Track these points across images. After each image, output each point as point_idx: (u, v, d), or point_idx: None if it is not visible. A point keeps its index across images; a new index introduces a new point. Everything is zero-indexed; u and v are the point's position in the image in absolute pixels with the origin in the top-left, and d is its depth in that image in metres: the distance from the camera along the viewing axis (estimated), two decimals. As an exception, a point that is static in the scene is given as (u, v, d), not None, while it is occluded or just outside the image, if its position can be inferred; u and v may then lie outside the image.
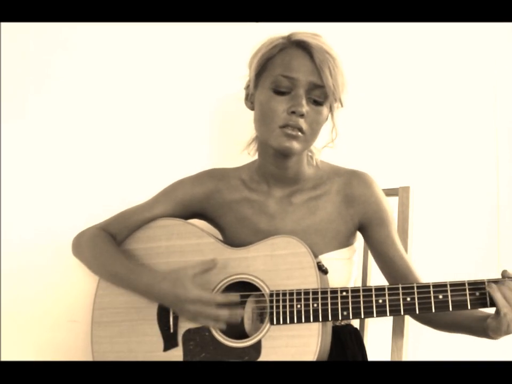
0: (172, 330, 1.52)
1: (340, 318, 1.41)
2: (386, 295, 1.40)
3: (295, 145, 1.51)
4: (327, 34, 1.56)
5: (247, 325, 1.53)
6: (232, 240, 1.63)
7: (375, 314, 1.40)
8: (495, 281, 1.36)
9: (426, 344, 1.87)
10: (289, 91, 1.50)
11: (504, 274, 1.38)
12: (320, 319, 1.42)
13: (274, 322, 1.44)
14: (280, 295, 1.45)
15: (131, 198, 1.72)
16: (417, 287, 1.39)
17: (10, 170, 1.89)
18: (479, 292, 1.36)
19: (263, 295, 1.49)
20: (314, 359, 1.39)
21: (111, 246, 1.60)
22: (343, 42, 1.65)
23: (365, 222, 1.62)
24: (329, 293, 1.43)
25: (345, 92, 1.56)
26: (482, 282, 1.37)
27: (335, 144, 1.63)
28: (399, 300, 1.40)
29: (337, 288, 1.44)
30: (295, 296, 1.44)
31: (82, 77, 1.96)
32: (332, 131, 1.61)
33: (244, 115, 1.65)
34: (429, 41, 2.04)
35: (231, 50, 2.01)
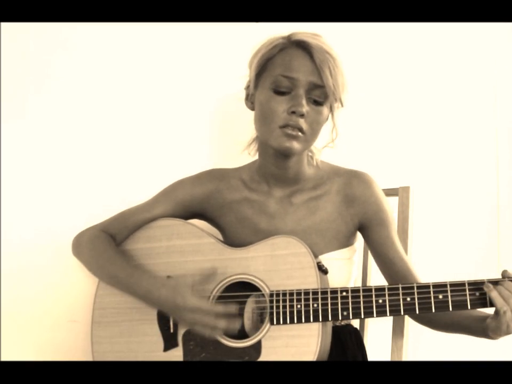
0: (172, 330, 1.52)
1: (340, 318, 1.42)
2: (386, 295, 1.40)
3: (295, 145, 1.51)
4: (327, 34, 1.56)
5: (247, 325, 1.53)
6: (232, 240, 1.63)
7: (375, 314, 1.40)
8: (495, 282, 1.36)
9: (426, 344, 1.87)
10: (289, 91, 1.50)
11: (504, 274, 1.38)
12: (320, 319, 1.42)
13: (274, 322, 1.44)
14: (280, 295, 1.45)
15: (131, 198, 1.72)
16: (417, 287, 1.39)
17: (10, 170, 1.89)
18: (479, 292, 1.36)
19: (263, 295, 1.49)
20: (314, 359, 1.39)
21: (110, 248, 1.60)
22: (343, 42, 1.65)
23: (365, 222, 1.62)
24: (329, 293, 1.43)
25: (345, 92, 1.56)
26: (482, 282, 1.37)
27: (335, 144, 1.63)
28: (399, 300, 1.40)
29: (337, 288, 1.44)
30: (295, 296, 1.44)
31: (82, 77, 1.96)
32: (332, 131, 1.61)
33: (244, 115, 1.65)
34: (429, 41, 2.04)
35: (231, 50, 2.01)
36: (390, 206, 1.64)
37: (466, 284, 1.37)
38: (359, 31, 2.02)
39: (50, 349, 1.86)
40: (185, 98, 2.02)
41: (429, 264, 1.83)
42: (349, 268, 1.63)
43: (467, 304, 1.37)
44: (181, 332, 1.52)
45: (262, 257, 1.50)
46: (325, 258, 1.54)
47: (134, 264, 1.59)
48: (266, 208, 1.63)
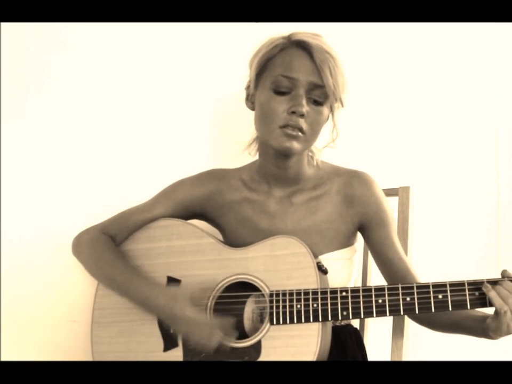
0: (171, 331, 1.52)
1: (340, 318, 1.42)
2: (386, 295, 1.40)
3: (295, 145, 1.51)
4: (327, 34, 1.56)
5: (247, 325, 1.53)
6: (232, 241, 1.63)
7: (374, 314, 1.40)
8: (494, 281, 1.36)
9: (426, 344, 1.87)
10: (290, 91, 1.50)
11: (504, 274, 1.38)
12: (320, 319, 1.42)
13: (274, 322, 1.44)
14: (280, 295, 1.45)
15: (131, 198, 1.72)
16: (417, 287, 1.39)
17: (10, 170, 1.89)
18: (479, 292, 1.36)
19: (263, 295, 1.48)
20: (314, 359, 1.39)
21: (110, 252, 1.60)
22: (343, 42, 1.65)
23: (365, 222, 1.62)
24: (329, 293, 1.43)
25: (345, 92, 1.56)
26: (481, 282, 1.36)
27: (335, 144, 1.63)
28: (398, 300, 1.40)
29: (337, 288, 1.44)
30: (295, 296, 1.44)
31: (82, 77, 1.96)
32: (333, 131, 1.61)
33: (244, 115, 1.65)
34: (429, 41, 2.04)
35: (231, 50, 2.01)
36: (390, 206, 1.64)
37: (466, 284, 1.37)
38: (359, 31, 2.02)
39: (50, 349, 1.86)
40: (185, 98, 2.02)
41: (429, 264, 1.84)
42: (349, 268, 1.63)
43: (467, 304, 1.37)
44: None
45: (262, 257, 1.50)
46: (325, 259, 1.54)
47: (134, 269, 1.58)
48: (266, 208, 1.63)
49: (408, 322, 1.67)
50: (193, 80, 2.01)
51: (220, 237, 1.69)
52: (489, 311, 1.39)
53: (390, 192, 1.75)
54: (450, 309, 1.37)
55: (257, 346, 1.44)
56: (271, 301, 1.46)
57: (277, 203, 1.63)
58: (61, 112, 1.94)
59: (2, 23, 1.89)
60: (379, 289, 1.41)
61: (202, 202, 1.68)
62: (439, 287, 1.38)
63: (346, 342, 1.58)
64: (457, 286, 1.37)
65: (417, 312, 1.38)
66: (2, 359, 1.79)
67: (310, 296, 1.43)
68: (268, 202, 1.64)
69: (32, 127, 1.93)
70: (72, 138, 1.94)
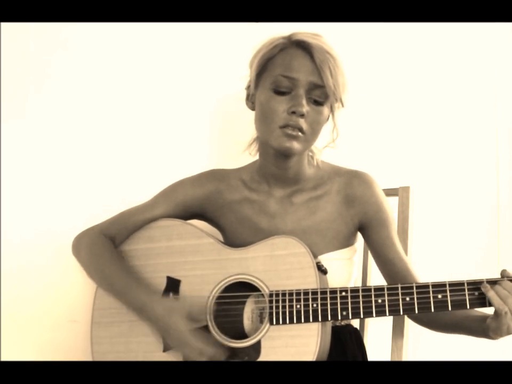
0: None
1: (339, 318, 1.41)
2: (386, 295, 1.40)
3: (296, 145, 1.51)
4: (327, 35, 1.56)
5: (247, 325, 1.53)
6: (233, 241, 1.63)
7: (374, 314, 1.40)
8: (494, 281, 1.36)
9: (426, 344, 1.87)
10: (290, 91, 1.50)
11: (504, 274, 1.37)
12: (320, 319, 1.42)
13: (274, 323, 1.44)
14: (280, 295, 1.45)
15: (131, 198, 1.72)
16: (417, 287, 1.39)
17: (10, 170, 1.90)
18: (478, 292, 1.36)
19: (262, 295, 1.48)
20: (314, 359, 1.39)
21: (109, 256, 1.59)
22: (343, 42, 1.65)
23: (365, 222, 1.62)
24: (328, 293, 1.43)
25: (346, 92, 1.56)
26: (481, 282, 1.36)
27: (336, 144, 1.63)
28: (398, 299, 1.39)
29: (336, 288, 1.44)
30: (294, 297, 1.44)
31: (82, 77, 1.96)
32: (333, 131, 1.61)
33: (244, 115, 1.65)
34: (429, 41, 2.04)
35: (231, 50, 2.01)
36: (391, 206, 1.64)
37: (466, 284, 1.37)
38: (359, 31, 2.02)
39: (50, 349, 1.86)
40: (186, 98, 2.02)
41: (429, 264, 1.84)
42: (349, 268, 1.63)
43: (466, 304, 1.37)
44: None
45: (262, 258, 1.50)
46: (325, 259, 1.54)
47: (133, 274, 1.58)
48: (266, 208, 1.63)
49: (408, 322, 1.67)
50: (193, 80, 2.02)
51: (220, 237, 1.69)
52: (489, 311, 1.39)
53: (390, 192, 1.75)
54: (450, 309, 1.37)
55: (256, 346, 1.44)
56: (270, 301, 1.45)
57: (277, 203, 1.63)
58: (61, 112, 1.95)
59: (2, 23, 1.89)
60: (378, 289, 1.41)
61: (202, 203, 1.68)
62: (439, 287, 1.38)
63: (346, 342, 1.58)
64: (456, 286, 1.37)
65: (416, 312, 1.38)
66: (2, 359, 1.80)
67: (310, 296, 1.43)
68: (268, 202, 1.64)
69: (32, 127, 1.93)
70: (72, 138, 1.95)
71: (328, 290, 1.43)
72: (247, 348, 1.45)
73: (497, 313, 1.35)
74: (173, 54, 2.01)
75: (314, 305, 1.43)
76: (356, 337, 1.62)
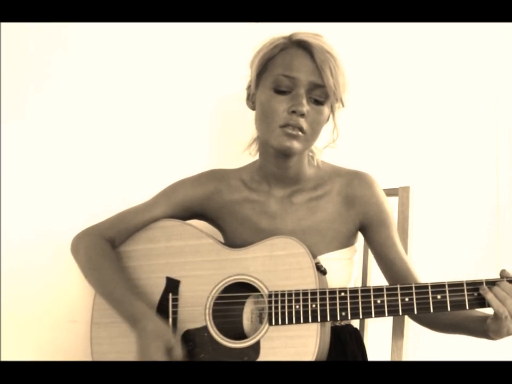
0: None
1: (338, 319, 1.41)
2: (385, 295, 1.40)
3: (296, 144, 1.51)
4: (328, 35, 1.56)
5: (246, 326, 1.53)
6: (233, 241, 1.64)
7: (373, 315, 1.40)
8: (493, 282, 1.36)
9: (426, 344, 1.87)
10: (290, 90, 1.50)
11: (503, 274, 1.37)
12: (319, 320, 1.42)
13: (273, 323, 1.44)
14: (279, 296, 1.45)
15: (131, 198, 1.72)
16: (416, 288, 1.39)
17: (10, 170, 1.90)
18: (477, 292, 1.36)
19: (262, 295, 1.48)
20: (313, 360, 1.39)
21: (107, 262, 1.58)
22: (344, 42, 1.65)
23: (365, 222, 1.62)
24: (327, 293, 1.43)
25: (346, 92, 1.56)
26: (480, 283, 1.36)
27: (336, 144, 1.63)
28: (397, 300, 1.39)
29: (335, 288, 1.44)
30: (293, 297, 1.44)
31: (82, 77, 1.96)
32: (333, 131, 1.61)
33: (244, 115, 1.65)
34: (429, 41, 2.04)
35: (231, 50, 2.01)
36: (391, 207, 1.64)
37: (465, 284, 1.37)
38: (360, 31, 2.02)
39: (50, 349, 1.86)
40: (186, 98, 2.02)
41: (429, 264, 1.83)
42: (349, 268, 1.63)
43: (465, 305, 1.36)
44: (179, 332, 1.52)
45: (261, 258, 1.50)
46: (325, 259, 1.54)
47: (129, 284, 1.57)
48: (266, 208, 1.63)
49: (408, 323, 1.67)
50: (193, 81, 2.01)
51: (220, 237, 1.69)
52: (490, 310, 1.39)
53: (390, 192, 1.75)
54: (449, 309, 1.37)
55: (256, 347, 1.44)
56: (270, 302, 1.45)
57: (277, 203, 1.63)
58: (61, 112, 1.95)
59: (2, 23, 1.89)
60: (378, 290, 1.41)
61: (202, 203, 1.68)
62: (438, 287, 1.38)
63: (346, 342, 1.58)
64: (456, 287, 1.37)
65: (415, 312, 1.38)
66: (2, 359, 1.80)
67: (309, 296, 1.43)
68: (268, 202, 1.64)
69: (32, 127, 1.93)
70: (72, 138, 1.95)
71: (327, 290, 1.43)
72: (246, 348, 1.45)
73: (496, 316, 1.35)
74: (173, 54, 2.01)
75: (314, 305, 1.43)
76: (356, 337, 1.62)
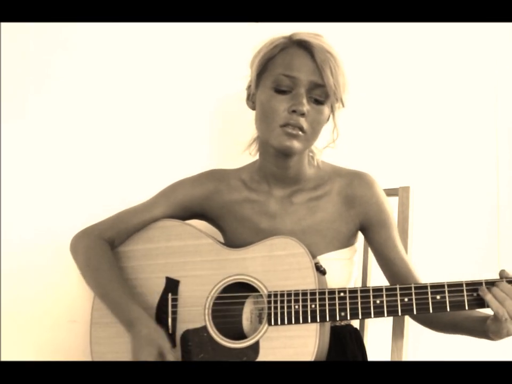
0: (170, 331, 1.53)
1: (338, 319, 1.41)
2: (384, 295, 1.40)
3: (296, 144, 1.51)
4: (328, 35, 1.56)
5: (246, 326, 1.53)
6: (233, 241, 1.63)
7: (372, 315, 1.40)
8: (492, 282, 1.36)
9: (426, 344, 1.87)
10: (290, 90, 1.50)
11: (502, 274, 1.37)
12: (318, 320, 1.42)
13: (272, 323, 1.44)
14: (278, 296, 1.45)
15: (131, 198, 1.72)
16: (415, 288, 1.39)
17: (10, 170, 1.90)
18: (477, 293, 1.36)
19: (261, 295, 1.48)
20: (312, 360, 1.39)
21: (106, 264, 1.58)
22: (344, 42, 1.65)
23: (366, 223, 1.62)
24: (327, 293, 1.43)
25: (346, 92, 1.56)
26: (480, 283, 1.36)
27: (336, 144, 1.63)
28: (396, 300, 1.39)
29: (335, 288, 1.44)
30: (293, 297, 1.44)
31: (82, 77, 1.96)
32: (333, 131, 1.61)
33: (244, 115, 1.65)
34: (429, 41, 2.04)
35: (231, 50, 2.01)
36: (391, 207, 1.64)
37: (464, 285, 1.37)
38: (360, 31, 2.02)
39: (50, 349, 1.86)
40: (186, 98, 2.02)
41: (429, 264, 1.83)
42: (349, 268, 1.63)
43: (465, 305, 1.36)
44: (179, 332, 1.52)
45: (260, 258, 1.50)
46: (325, 259, 1.54)
47: (127, 286, 1.57)
48: (266, 208, 1.63)
49: (408, 323, 1.67)
50: (193, 81, 2.01)
51: (220, 237, 1.69)
52: (489, 311, 1.39)
53: (390, 192, 1.75)
54: (448, 309, 1.37)
55: (255, 347, 1.44)
56: (269, 302, 1.45)
57: (277, 203, 1.63)
58: (61, 112, 1.94)
59: (2, 23, 1.89)
60: (377, 290, 1.41)
61: (202, 203, 1.68)
62: (437, 288, 1.38)
63: (346, 342, 1.58)
64: (455, 287, 1.37)
65: (415, 312, 1.38)
66: (2, 359, 1.80)
67: (308, 296, 1.43)
68: (268, 202, 1.64)
69: (32, 127, 1.93)
70: (72, 138, 1.95)
71: (326, 291, 1.43)
72: (246, 349, 1.45)
73: (496, 317, 1.35)
74: (173, 54, 2.01)
75: (313, 305, 1.42)
76: (356, 337, 1.62)
